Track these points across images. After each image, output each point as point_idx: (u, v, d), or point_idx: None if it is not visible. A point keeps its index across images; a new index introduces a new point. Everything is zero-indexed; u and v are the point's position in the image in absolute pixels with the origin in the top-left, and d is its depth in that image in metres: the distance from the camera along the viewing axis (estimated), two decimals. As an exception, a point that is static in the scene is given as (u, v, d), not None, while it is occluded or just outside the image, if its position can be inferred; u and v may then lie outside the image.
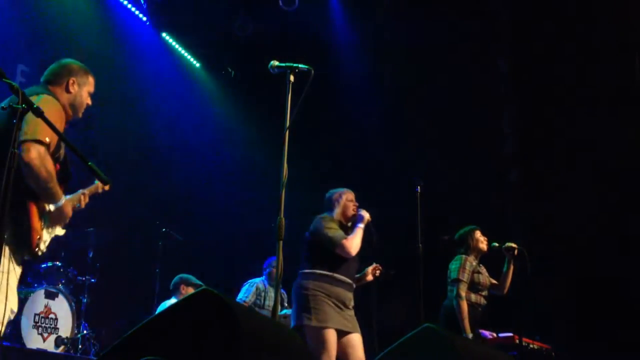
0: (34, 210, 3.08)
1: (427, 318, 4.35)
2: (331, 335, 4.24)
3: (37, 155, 2.95)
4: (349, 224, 4.64)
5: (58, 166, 3.19)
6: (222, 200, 9.22)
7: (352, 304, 4.49)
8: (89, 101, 3.46)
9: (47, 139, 3.01)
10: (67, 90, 3.35)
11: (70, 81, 3.35)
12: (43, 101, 3.07)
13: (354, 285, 4.55)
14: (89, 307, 6.17)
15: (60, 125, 3.11)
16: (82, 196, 3.55)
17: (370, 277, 4.73)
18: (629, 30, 7.47)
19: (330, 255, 4.42)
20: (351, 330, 4.38)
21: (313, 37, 8.80)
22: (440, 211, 6.48)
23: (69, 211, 3.29)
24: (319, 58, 8.12)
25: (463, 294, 5.37)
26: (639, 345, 6.66)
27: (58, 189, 3.13)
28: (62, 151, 3.25)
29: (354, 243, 4.42)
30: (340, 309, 4.35)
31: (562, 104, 7.93)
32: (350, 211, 4.65)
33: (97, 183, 3.73)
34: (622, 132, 7.42)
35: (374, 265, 4.76)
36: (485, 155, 8.35)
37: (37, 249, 3.13)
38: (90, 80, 3.45)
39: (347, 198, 4.69)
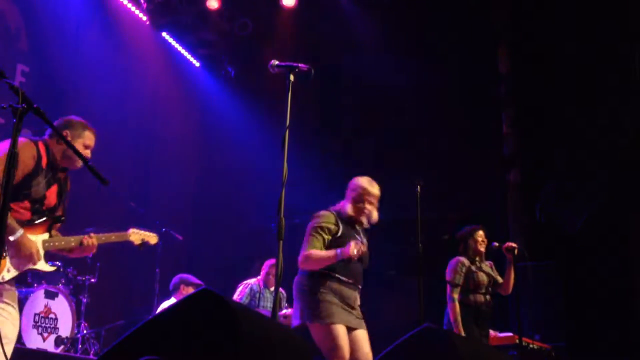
0: None
1: (427, 318, 4.33)
2: (340, 330, 3.98)
3: None
4: (361, 219, 4.30)
5: (27, 203, 3.42)
6: (222, 200, 9.22)
7: (357, 303, 4.25)
8: (86, 153, 3.65)
9: None
10: (59, 142, 3.56)
11: (64, 133, 3.57)
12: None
13: (360, 285, 4.29)
14: (89, 307, 6.16)
15: (22, 168, 3.33)
16: (85, 239, 3.67)
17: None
18: (629, 29, 7.47)
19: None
20: (356, 326, 4.14)
21: (313, 37, 8.80)
22: (440, 211, 6.48)
23: (27, 249, 3.41)
24: (319, 58, 8.13)
25: (455, 296, 5.36)
26: (639, 346, 6.66)
27: (10, 224, 3.27)
28: (36, 188, 3.45)
29: (311, 260, 4.08)
30: (344, 308, 4.12)
31: (562, 104, 7.93)
32: (360, 213, 4.30)
33: (131, 234, 4.04)
34: (622, 131, 7.42)
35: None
36: (485, 155, 8.35)
37: None
38: (87, 134, 3.68)
39: (363, 198, 4.29)
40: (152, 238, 4.16)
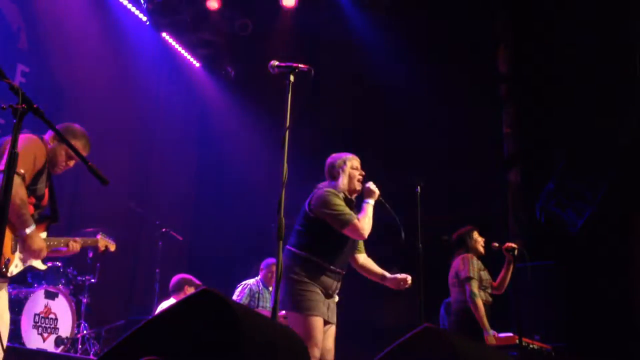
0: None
1: (427, 318, 4.32)
2: (318, 323, 3.92)
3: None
4: (353, 197, 4.17)
5: (33, 199, 3.43)
6: (222, 200, 9.22)
7: (337, 291, 4.15)
8: (67, 162, 3.64)
9: (22, 171, 3.28)
10: (49, 144, 3.58)
11: (53, 135, 3.55)
12: (24, 137, 3.33)
13: (344, 273, 4.15)
14: (89, 307, 6.17)
15: (34, 161, 3.37)
16: (71, 242, 3.75)
17: (392, 285, 4.17)
18: (629, 30, 7.47)
19: (327, 238, 4.01)
20: (329, 320, 4.07)
21: (313, 36, 8.81)
22: (440, 211, 6.48)
23: (39, 243, 3.44)
24: (318, 57, 8.13)
25: (477, 291, 5.28)
26: (639, 346, 6.66)
27: (29, 217, 3.33)
28: (40, 186, 3.46)
29: (365, 224, 3.95)
30: (325, 299, 4.02)
31: (562, 104, 7.92)
32: (356, 182, 4.14)
33: (99, 240, 4.11)
34: (622, 131, 7.42)
35: (407, 278, 4.13)
36: (485, 155, 8.35)
37: (4, 268, 3.31)
38: (76, 144, 3.51)
39: (352, 165, 4.17)
40: (112, 245, 4.36)
